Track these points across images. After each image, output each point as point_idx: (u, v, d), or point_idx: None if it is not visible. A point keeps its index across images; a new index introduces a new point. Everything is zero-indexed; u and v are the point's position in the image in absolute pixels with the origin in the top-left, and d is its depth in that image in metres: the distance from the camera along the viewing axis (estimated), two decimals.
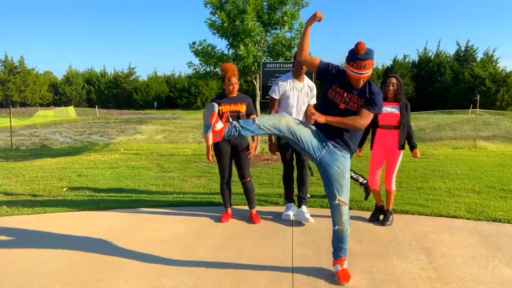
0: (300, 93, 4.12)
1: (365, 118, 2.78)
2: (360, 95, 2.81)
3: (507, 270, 3.03)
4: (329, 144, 2.82)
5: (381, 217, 4.21)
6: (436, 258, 3.26)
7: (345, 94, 2.81)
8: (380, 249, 3.45)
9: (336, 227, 2.87)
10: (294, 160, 4.33)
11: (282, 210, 4.54)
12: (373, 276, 2.95)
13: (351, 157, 2.89)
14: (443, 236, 3.75)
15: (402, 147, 4.01)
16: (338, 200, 2.79)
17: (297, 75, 4.13)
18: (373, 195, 4.28)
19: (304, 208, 4.21)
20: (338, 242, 2.94)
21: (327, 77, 2.87)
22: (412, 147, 4.13)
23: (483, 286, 2.79)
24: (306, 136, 2.78)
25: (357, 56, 2.68)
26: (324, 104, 2.89)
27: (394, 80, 4.00)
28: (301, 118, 4.13)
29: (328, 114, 2.80)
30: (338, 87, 2.82)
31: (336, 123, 2.76)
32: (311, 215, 4.20)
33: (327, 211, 4.42)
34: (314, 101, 4.26)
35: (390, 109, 4.01)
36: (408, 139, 4.09)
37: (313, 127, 2.87)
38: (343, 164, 2.81)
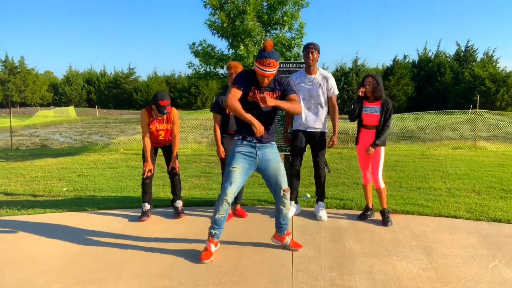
0: (312, 86, 4.16)
1: (297, 102, 3.20)
2: (273, 90, 3.19)
3: (507, 270, 3.03)
4: (258, 152, 3.22)
5: (371, 216, 4.31)
6: (436, 258, 3.26)
7: (262, 93, 3.15)
8: (380, 249, 3.45)
9: (284, 212, 3.35)
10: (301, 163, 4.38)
11: None
12: (373, 276, 2.95)
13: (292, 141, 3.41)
14: (443, 236, 3.75)
15: (378, 145, 4.02)
16: (283, 190, 3.26)
17: (307, 69, 4.19)
18: (363, 192, 4.34)
19: (321, 204, 4.35)
20: (281, 221, 3.40)
21: (246, 84, 3.14)
22: (375, 143, 4.00)
23: (483, 286, 2.79)
24: (240, 177, 3.20)
25: (263, 53, 3.01)
26: (246, 107, 3.13)
27: (370, 79, 4.02)
28: (315, 110, 4.21)
29: (252, 114, 3.11)
30: (255, 89, 3.15)
31: (282, 106, 3.07)
32: (310, 215, 4.20)
33: (328, 211, 4.43)
34: (334, 92, 4.23)
35: (370, 109, 4.05)
36: (377, 133, 4.03)
37: (239, 167, 3.20)
38: (276, 158, 3.27)
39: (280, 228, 3.44)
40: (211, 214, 4.47)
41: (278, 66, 3.16)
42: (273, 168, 3.25)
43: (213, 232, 3.27)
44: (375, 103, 4.04)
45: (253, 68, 3.25)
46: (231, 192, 3.18)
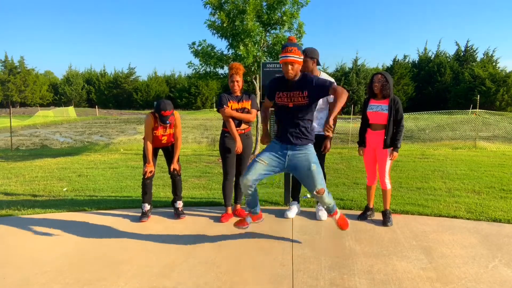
0: None
1: (339, 91, 3.08)
2: (300, 88, 3.17)
3: (507, 270, 3.03)
4: (288, 153, 3.25)
5: (371, 216, 4.31)
6: (436, 258, 3.26)
7: (288, 94, 3.21)
8: (380, 249, 3.45)
9: (325, 207, 3.49)
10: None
11: (282, 210, 4.55)
12: (373, 276, 2.95)
13: (313, 143, 3.31)
14: (443, 236, 3.75)
15: (387, 146, 3.98)
16: (315, 191, 3.27)
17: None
18: (366, 192, 4.33)
19: (319, 205, 4.36)
20: (322, 205, 3.48)
21: (274, 95, 3.32)
22: (394, 146, 3.99)
23: (483, 286, 2.79)
24: (262, 170, 3.25)
25: (285, 44, 3.16)
26: (278, 110, 3.33)
27: (379, 76, 3.99)
28: (314, 114, 4.16)
29: (282, 116, 3.27)
30: (280, 92, 3.26)
31: (336, 114, 3.08)
32: (310, 215, 4.21)
33: None
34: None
35: (376, 107, 4.02)
36: (393, 135, 4.00)
37: (264, 160, 3.26)
38: (307, 159, 3.23)
39: (326, 209, 3.55)
40: (211, 214, 4.49)
41: (300, 57, 3.14)
42: (302, 171, 3.24)
43: (249, 210, 3.58)
44: (383, 101, 4.01)
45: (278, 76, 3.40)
46: (247, 181, 3.25)
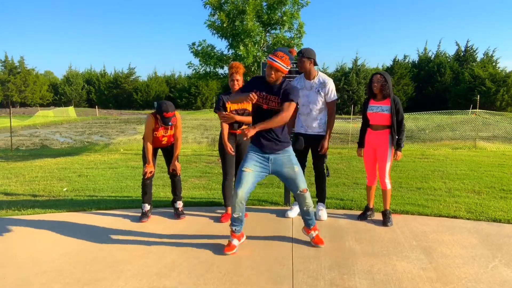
0: (310, 92, 4.14)
1: (287, 110, 3.17)
2: (276, 93, 3.24)
3: (507, 270, 3.03)
4: (270, 157, 3.33)
5: (371, 216, 4.31)
6: (436, 258, 3.26)
7: (265, 95, 3.26)
8: (380, 249, 3.45)
9: (304, 208, 3.45)
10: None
11: (282, 210, 4.55)
12: (373, 276, 2.95)
13: (292, 145, 3.44)
14: (443, 236, 3.75)
15: (402, 147, 4.01)
16: (300, 191, 3.35)
17: (305, 74, 4.17)
18: (366, 192, 4.33)
19: (321, 204, 4.38)
20: (306, 216, 3.51)
21: (248, 89, 3.31)
22: (398, 146, 4.01)
23: (483, 286, 2.79)
24: (252, 179, 3.29)
25: (279, 48, 3.21)
26: (252, 112, 3.37)
27: (378, 77, 3.98)
28: (314, 115, 4.15)
29: (255, 115, 3.32)
30: (258, 91, 3.26)
31: (265, 127, 3.16)
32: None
33: (328, 211, 4.44)
34: (332, 97, 4.13)
35: (376, 108, 4.01)
36: (397, 135, 4.02)
37: (251, 169, 3.29)
38: (289, 161, 3.34)
39: (305, 222, 3.57)
40: (211, 214, 4.49)
41: (287, 67, 3.18)
42: (287, 172, 3.33)
43: (234, 228, 3.44)
44: (383, 102, 4.00)
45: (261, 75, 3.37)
46: (242, 193, 3.28)
